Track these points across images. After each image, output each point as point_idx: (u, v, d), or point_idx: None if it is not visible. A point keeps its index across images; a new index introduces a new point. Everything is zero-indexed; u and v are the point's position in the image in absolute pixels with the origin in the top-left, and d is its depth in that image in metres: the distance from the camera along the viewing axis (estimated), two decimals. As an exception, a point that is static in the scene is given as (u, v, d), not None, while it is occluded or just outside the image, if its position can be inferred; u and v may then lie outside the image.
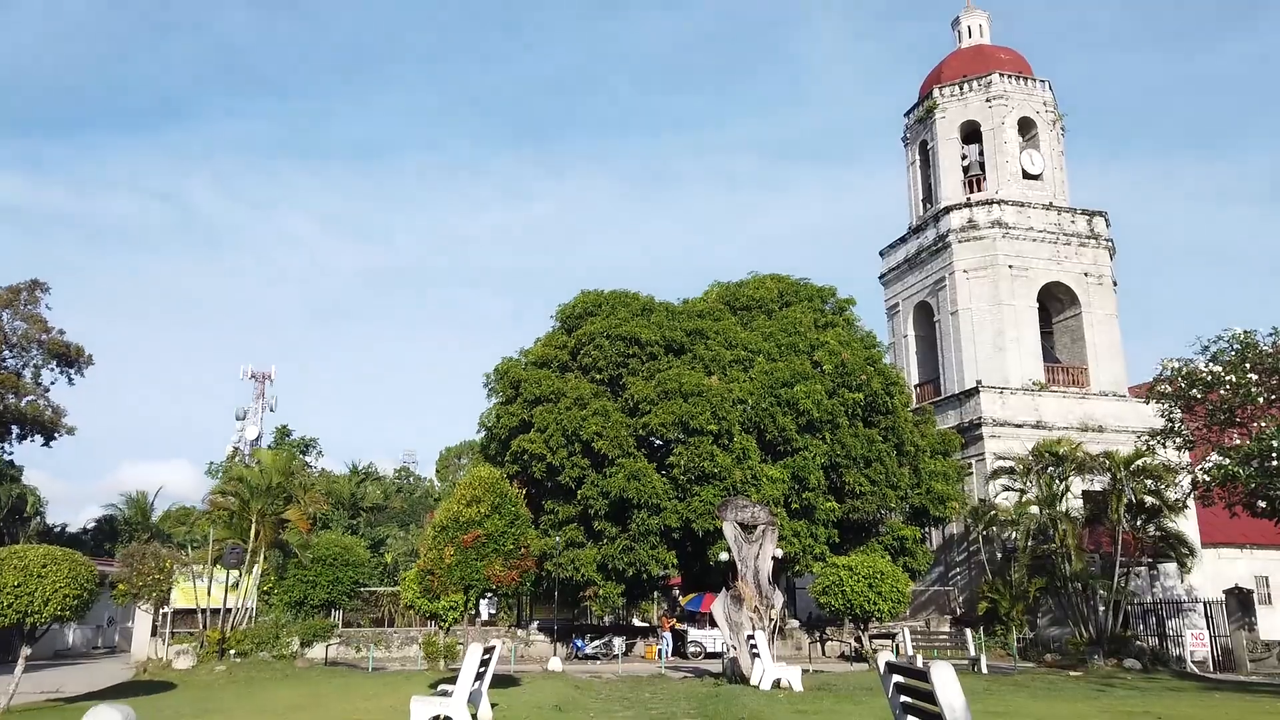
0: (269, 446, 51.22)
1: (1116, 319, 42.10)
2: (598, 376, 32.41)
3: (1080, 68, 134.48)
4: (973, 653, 24.18)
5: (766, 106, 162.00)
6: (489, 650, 12.47)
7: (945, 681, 6.92)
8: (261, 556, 23.18)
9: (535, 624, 34.17)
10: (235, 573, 22.62)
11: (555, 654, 26.49)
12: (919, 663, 23.52)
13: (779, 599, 20.82)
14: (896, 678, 8.38)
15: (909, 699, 8.08)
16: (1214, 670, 26.70)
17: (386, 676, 21.00)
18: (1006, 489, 28.57)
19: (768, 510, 21.75)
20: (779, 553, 21.56)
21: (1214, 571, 35.50)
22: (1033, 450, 26.65)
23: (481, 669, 12.35)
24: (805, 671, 22.41)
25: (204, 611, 23.38)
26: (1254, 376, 26.47)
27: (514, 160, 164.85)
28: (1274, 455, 23.92)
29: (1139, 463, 24.95)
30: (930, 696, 7.32)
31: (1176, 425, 29.28)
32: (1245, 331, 27.67)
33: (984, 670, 23.02)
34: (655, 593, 44.64)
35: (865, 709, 14.43)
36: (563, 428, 30.57)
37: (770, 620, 20.39)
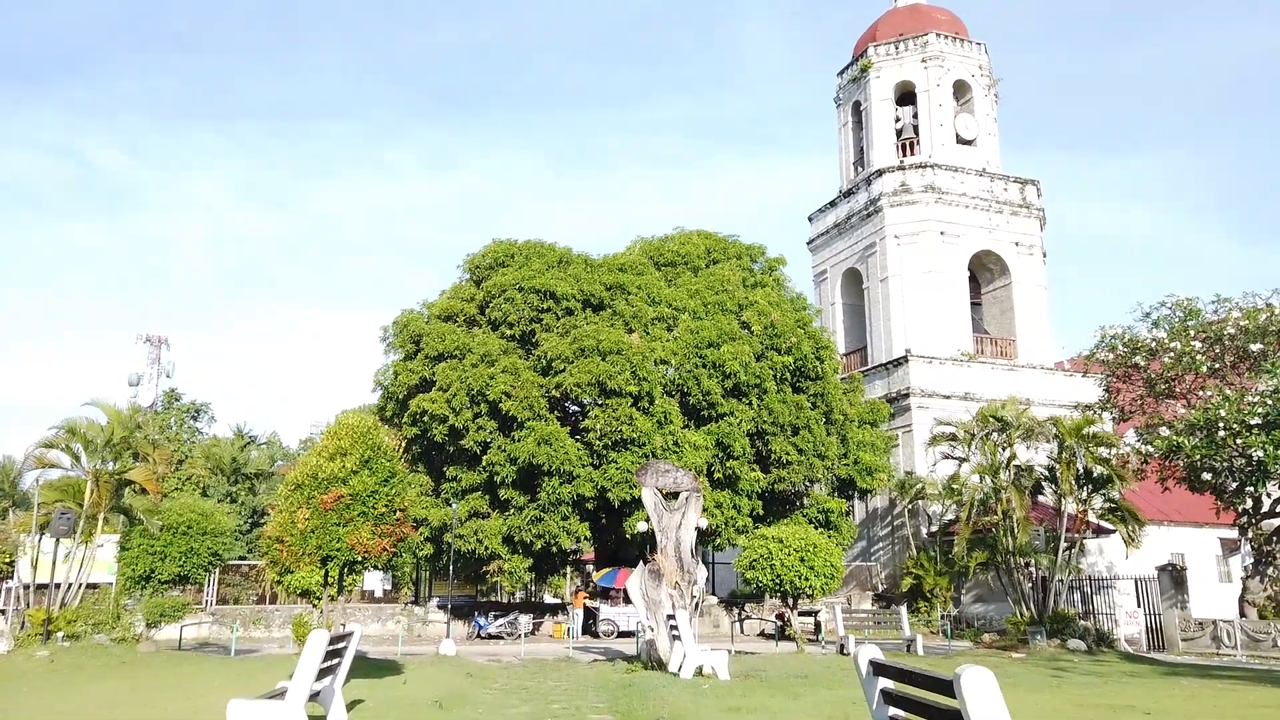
0: (155, 411, 47.26)
1: (1045, 291, 41.23)
2: (508, 332, 29.68)
3: (1007, 51, 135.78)
4: (907, 633, 22.45)
5: (697, 86, 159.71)
6: (341, 638, 9.79)
7: (983, 700, 4.64)
8: (100, 523, 19.82)
9: (434, 601, 31.41)
10: (69, 542, 19.25)
11: (450, 635, 23.81)
12: (851, 644, 21.76)
13: (702, 574, 18.62)
14: (885, 683, 6.08)
15: (908, 716, 5.82)
16: (1146, 650, 25.66)
17: (248, 663, 18.09)
18: (946, 456, 27.00)
19: (692, 476, 19.47)
20: (703, 522, 19.33)
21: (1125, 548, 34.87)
22: (976, 415, 25.11)
23: (333, 660, 9.68)
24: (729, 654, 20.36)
25: (55, 587, 20.12)
26: (1198, 345, 25.39)
27: (436, 130, 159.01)
28: (1221, 426, 22.76)
29: (1089, 429, 23.55)
30: (947, 718, 5.04)
31: (1114, 396, 28.17)
32: (1188, 298, 26.63)
33: (920, 652, 21.30)
34: (567, 568, 42.28)
35: (805, 705, 12.26)
36: (468, 387, 27.79)
37: (692, 598, 18.17)
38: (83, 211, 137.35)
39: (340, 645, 9.75)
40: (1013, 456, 24.18)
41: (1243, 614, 25.73)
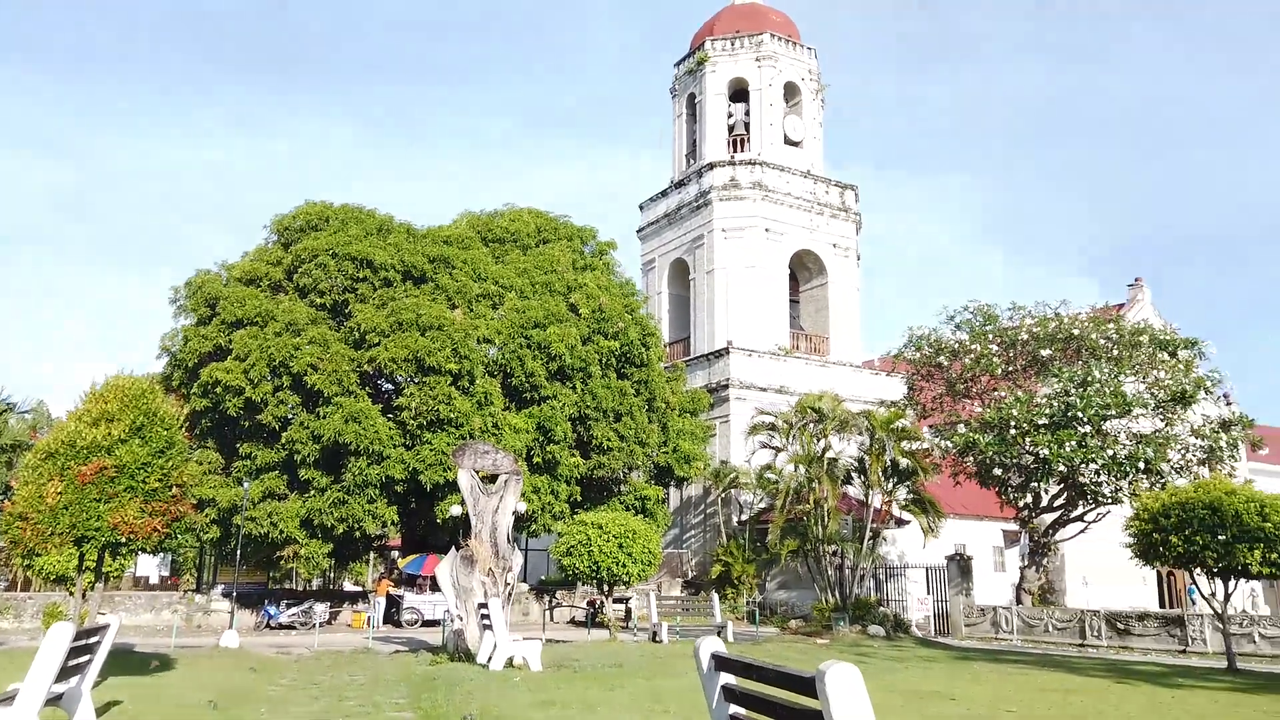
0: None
1: (858, 293, 43.01)
2: (318, 301, 27.60)
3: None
4: (718, 619, 22.55)
5: (530, 69, 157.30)
6: (93, 631, 8.29)
7: (849, 701, 4.11)
8: None
9: (219, 588, 28.86)
10: None
11: (233, 625, 21.76)
12: (664, 632, 21.61)
13: (518, 561, 17.78)
14: (728, 679, 5.51)
15: (751, 715, 5.26)
16: (935, 634, 27.06)
17: (-15, 659, 15.62)
18: (765, 445, 27.44)
19: (512, 458, 18.58)
20: (522, 506, 18.50)
21: (918, 539, 37.02)
22: (795, 406, 25.63)
23: (82, 658, 8.19)
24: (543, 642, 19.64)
25: None
26: (995, 347, 26.98)
27: (247, 91, 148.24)
28: (1013, 425, 24.25)
29: (898, 423, 24.51)
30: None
31: (917, 394, 29.59)
32: (988, 304, 28.28)
33: (730, 639, 21.41)
34: (371, 554, 40.25)
35: (622, 696, 11.72)
36: (269, 357, 25.60)
37: (506, 585, 17.30)
38: None
39: (92, 640, 8.25)
40: (827, 447, 24.87)
41: (1019, 601, 27.67)
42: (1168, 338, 25.84)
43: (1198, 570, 16.72)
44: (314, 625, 25.33)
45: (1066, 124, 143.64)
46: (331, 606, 29.28)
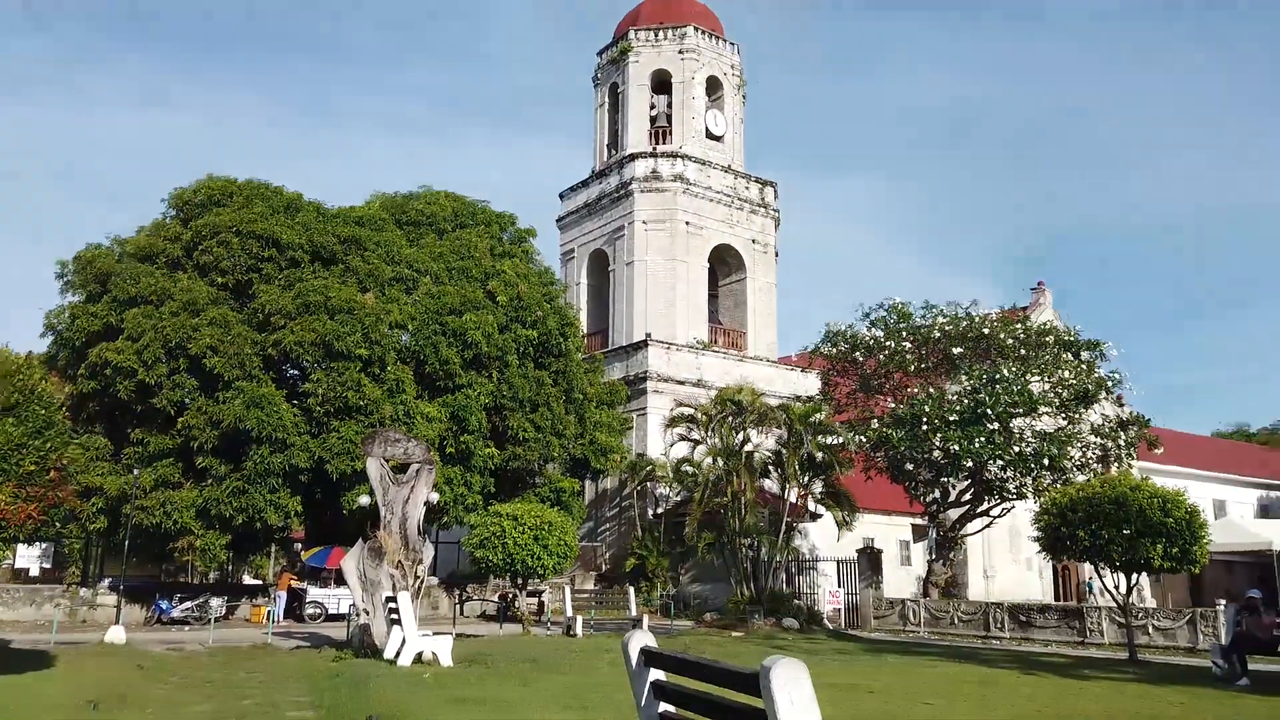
0: None
1: (775, 289, 43.31)
2: (220, 280, 26.29)
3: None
4: (634, 612, 22.30)
5: (447, 54, 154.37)
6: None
7: (797, 699, 3.83)
8: None
9: (107, 581, 27.28)
10: None
11: (121, 620, 20.50)
12: (579, 626, 21.21)
13: (428, 553, 17.15)
14: (658, 675, 5.19)
15: (682, 713, 4.94)
16: (845, 627, 27.40)
17: None
18: (683, 438, 27.30)
19: (425, 447, 17.93)
20: (434, 497, 17.90)
21: (830, 533, 37.57)
22: (714, 399, 25.53)
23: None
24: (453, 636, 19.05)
25: None
26: (908, 345, 27.42)
27: (147, 61, 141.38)
28: (925, 420, 24.66)
29: (815, 417, 24.64)
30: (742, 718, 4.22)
31: (832, 389, 29.90)
32: (902, 302, 28.73)
33: (646, 631, 21.16)
34: (272, 546, 38.76)
35: (537, 692, 11.31)
36: (165, 338, 24.27)
37: (416, 578, 16.68)
38: None
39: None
40: (746, 440, 24.85)
41: (926, 593, 28.23)
42: (1072, 339, 26.70)
43: (1101, 564, 17.18)
44: (209, 620, 24.10)
45: (972, 132, 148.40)
46: (229, 600, 28.01)
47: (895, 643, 22.01)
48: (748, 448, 24.88)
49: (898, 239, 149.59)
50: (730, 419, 24.37)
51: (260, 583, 36.92)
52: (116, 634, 18.64)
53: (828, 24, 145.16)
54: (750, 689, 4.04)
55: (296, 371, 27.21)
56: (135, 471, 23.50)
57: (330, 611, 27.28)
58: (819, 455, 23.25)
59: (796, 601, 25.09)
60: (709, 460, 24.46)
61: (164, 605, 25.68)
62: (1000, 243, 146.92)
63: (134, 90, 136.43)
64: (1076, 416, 26.53)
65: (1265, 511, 51.87)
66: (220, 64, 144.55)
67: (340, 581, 27.38)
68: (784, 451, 24.58)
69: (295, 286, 25.60)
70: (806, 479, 24.70)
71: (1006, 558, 42.11)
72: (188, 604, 25.92)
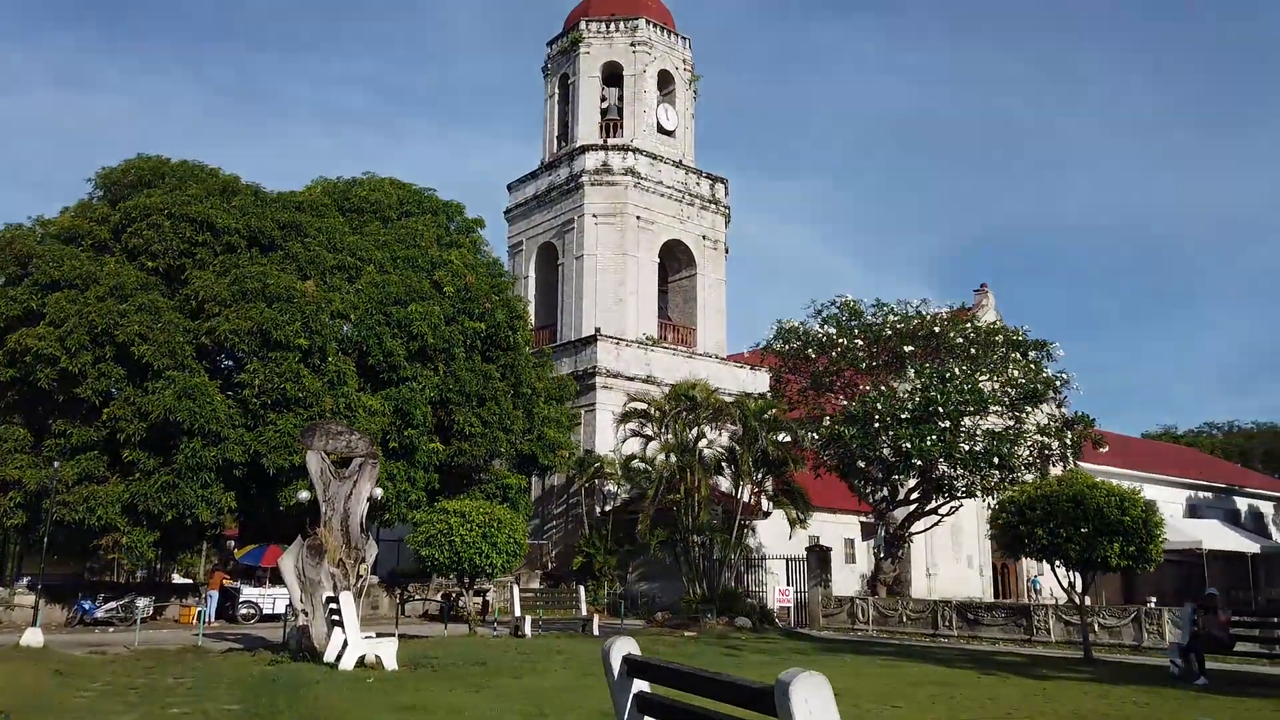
0: None
1: (724, 285, 43.10)
2: (150, 264, 25.06)
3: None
4: (583, 611, 21.74)
5: (390, 45, 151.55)
6: None
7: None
8: None
9: (25, 580, 25.84)
10: None
11: (38, 621, 19.28)
12: (527, 625, 20.56)
13: (372, 551, 16.40)
14: (641, 686, 4.69)
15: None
16: (794, 625, 27.22)
17: None
18: (636, 434, 26.79)
19: (368, 440, 17.14)
20: (378, 492, 17.12)
21: (779, 530, 37.49)
22: (668, 394, 25.09)
23: None
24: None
25: None
26: (860, 342, 27.34)
27: (76, 42, 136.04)
28: (876, 419, 24.56)
29: (770, 414, 24.34)
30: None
31: (784, 387, 29.71)
32: (854, 299, 28.65)
33: (596, 632, 20.64)
34: (204, 543, 37.32)
35: (490, 699, 10.73)
36: (90, 323, 23.03)
37: (359, 577, 15.92)
38: None
39: None
40: (700, 435, 24.44)
41: (874, 591, 28.19)
42: (1020, 339, 26.88)
43: (1058, 562, 17.15)
44: (136, 621, 22.90)
45: (915, 137, 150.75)
46: (157, 600, 26.78)
47: (848, 642, 21.83)
48: (702, 444, 24.49)
49: (836, 241, 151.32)
50: (684, 415, 23.97)
51: (191, 582, 35.53)
52: (34, 636, 17.49)
53: (767, 29, 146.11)
54: (763, 706, 3.58)
55: (231, 361, 26.09)
56: (56, 464, 22.21)
57: (265, 612, 26.24)
58: (773, 452, 22.95)
59: (749, 600, 24.77)
60: (662, 456, 24.00)
61: (87, 605, 24.40)
62: (936, 246, 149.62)
63: (57, 71, 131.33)
64: (1023, 416, 26.72)
65: (1193, 511, 53.34)
66: (149, 45, 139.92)
67: (276, 580, 26.34)
68: (737, 448, 24.26)
69: (231, 273, 24.51)
70: (760, 476, 24.39)
71: (948, 556, 42.55)
72: (112, 604, 24.68)
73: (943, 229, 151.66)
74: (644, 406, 25.90)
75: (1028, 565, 47.95)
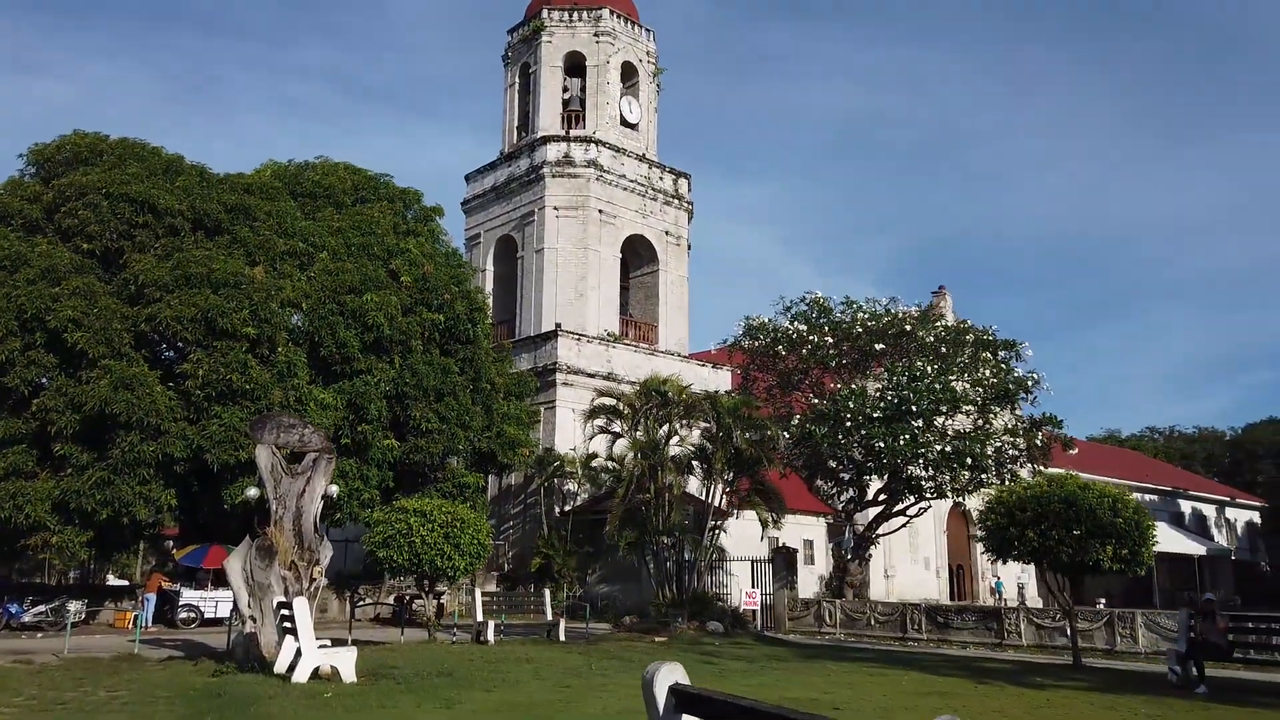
0: None
1: (687, 282, 42.42)
2: (86, 246, 23.55)
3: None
4: (549, 616, 20.77)
5: (347, 37, 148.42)
6: None
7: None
8: None
9: (-57, 584, 24.07)
10: None
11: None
12: (490, 632, 19.51)
13: (326, 553, 15.27)
14: (694, 722, 3.84)
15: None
16: (760, 629, 26.57)
17: None
18: (604, 430, 25.84)
19: (323, 435, 16.03)
20: (334, 490, 16.01)
21: (742, 532, 36.89)
22: (638, 390, 24.19)
23: None
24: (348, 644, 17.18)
25: None
26: (830, 340, 26.80)
27: (20, 26, 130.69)
28: (848, 417, 24.01)
29: (744, 411, 23.59)
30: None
31: (751, 385, 29.08)
32: (823, 296, 28.13)
33: (562, 638, 19.70)
34: (141, 543, 35.57)
35: (463, 715, 9.78)
36: (19, 308, 21.55)
37: (312, 581, 14.81)
38: None
39: None
40: (673, 432, 23.59)
41: (839, 594, 27.67)
42: (989, 338, 26.55)
43: (1047, 565, 16.68)
44: (66, 626, 21.39)
45: (867, 143, 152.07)
46: (90, 604, 25.21)
47: (824, 647, 21.20)
48: (672, 442, 23.65)
49: (791, 244, 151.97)
50: (655, 411, 23.10)
51: (127, 584, 33.76)
52: (-52, 646, 16.05)
53: (722, 31, 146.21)
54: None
55: (173, 351, 24.65)
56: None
57: (206, 616, 24.82)
58: (747, 450, 22.22)
59: (720, 604, 23.99)
60: (631, 454, 23.08)
61: (13, 609, 22.83)
62: (889, 250, 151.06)
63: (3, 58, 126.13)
64: (991, 416, 26.42)
65: (1141, 514, 54.09)
66: (96, 30, 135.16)
67: (219, 582, 24.94)
68: (709, 446, 23.46)
69: (174, 256, 23.09)
70: (731, 475, 23.62)
71: (906, 557, 42.36)
72: (41, 607, 23.10)
73: (897, 233, 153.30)
74: (612, 402, 24.99)
75: (982, 567, 48.18)
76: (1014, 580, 48.67)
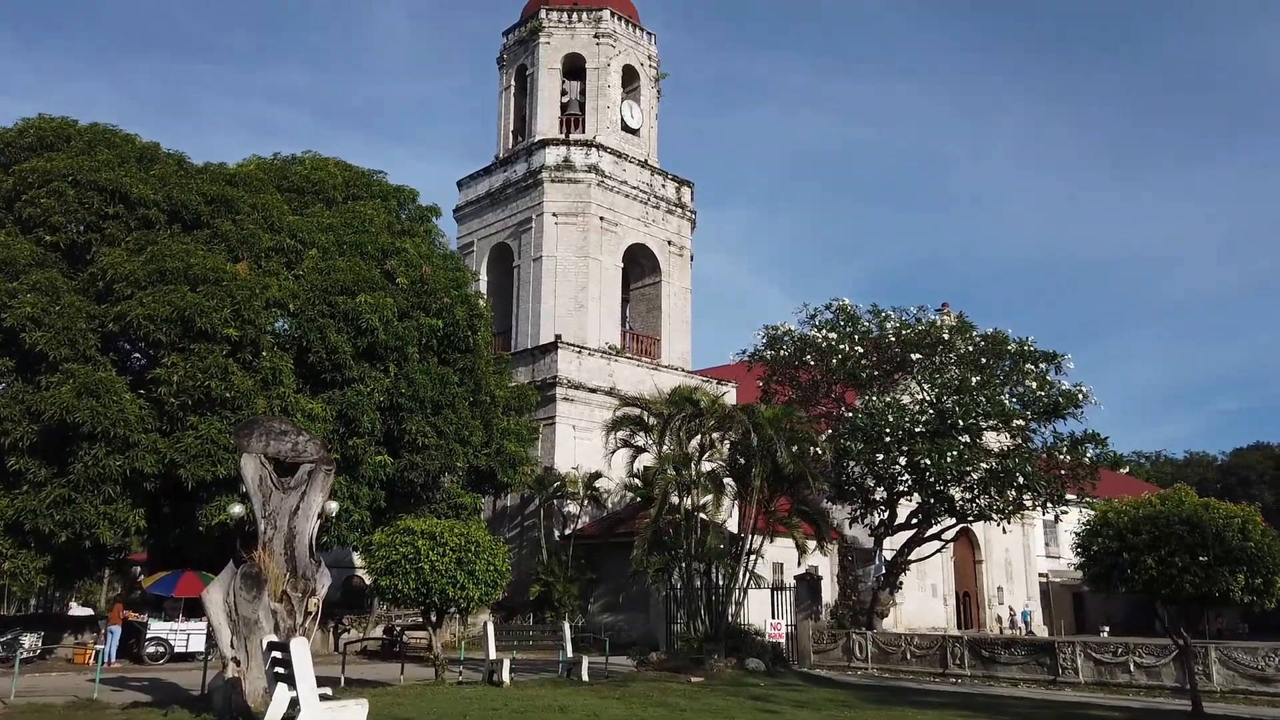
0: None
1: (690, 294, 40.56)
2: (49, 238, 21.33)
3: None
4: (569, 653, 18.53)
5: (324, 62, 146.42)
6: None
7: None
8: None
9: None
10: None
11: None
12: (505, 671, 17.19)
13: (324, 581, 13.05)
14: None
15: None
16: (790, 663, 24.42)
17: None
18: (626, 443, 23.66)
19: (320, 443, 13.84)
20: (333, 507, 13.86)
21: (768, 556, 34.55)
22: (668, 398, 22.10)
23: None
24: (341, 686, 14.88)
25: None
26: (860, 350, 24.94)
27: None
28: (886, 432, 22.08)
29: (787, 423, 21.48)
30: None
31: (772, 398, 27.09)
32: (851, 304, 26.33)
33: (585, 677, 17.47)
34: (106, 569, 32.97)
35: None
36: (-29, 305, 19.13)
37: (307, 614, 12.58)
38: None
39: None
40: (707, 445, 21.44)
41: (871, 625, 25.61)
42: (1030, 350, 24.74)
43: (1167, 599, 14.61)
44: (17, 662, 18.85)
45: (839, 171, 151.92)
46: (47, 637, 22.69)
47: (881, 688, 19.11)
48: (706, 455, 21.53)
49: (762, 271, 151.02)
50: (689, 422, 20.98)
51: (90, 614, 31.09)
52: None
53: (699, 59, 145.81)
54: None
55: (144, 354, 22.33)
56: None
57: (176, 650, 22.37)
58: (788, 466, 20.13)
59: (759, 638, 21.77)
60: (662, 470, 20.85)
61: (-44, 645, 20.24)
62: (859, 278, 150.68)
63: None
64: (1030, 433, 24.61)
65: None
66: (67, 52, 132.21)
67: (190, 612, 22.52)
68: (742, 461, 21.35)
69: (147, 250, 20.86)
70: (768, 494, 21.53)
71: (913, 584, 40.26)
72: (-10, 642, 20.55)
73: (863, 262, 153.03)
74: (637, 413, 22.85)
75: (989, 594, 46.29)
76: (1020, 607, 46.83)
